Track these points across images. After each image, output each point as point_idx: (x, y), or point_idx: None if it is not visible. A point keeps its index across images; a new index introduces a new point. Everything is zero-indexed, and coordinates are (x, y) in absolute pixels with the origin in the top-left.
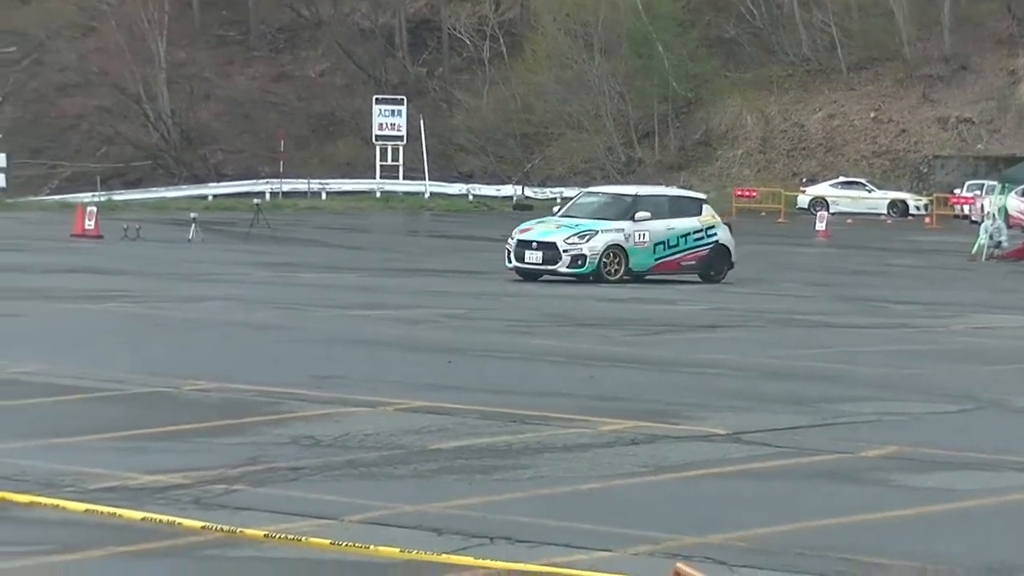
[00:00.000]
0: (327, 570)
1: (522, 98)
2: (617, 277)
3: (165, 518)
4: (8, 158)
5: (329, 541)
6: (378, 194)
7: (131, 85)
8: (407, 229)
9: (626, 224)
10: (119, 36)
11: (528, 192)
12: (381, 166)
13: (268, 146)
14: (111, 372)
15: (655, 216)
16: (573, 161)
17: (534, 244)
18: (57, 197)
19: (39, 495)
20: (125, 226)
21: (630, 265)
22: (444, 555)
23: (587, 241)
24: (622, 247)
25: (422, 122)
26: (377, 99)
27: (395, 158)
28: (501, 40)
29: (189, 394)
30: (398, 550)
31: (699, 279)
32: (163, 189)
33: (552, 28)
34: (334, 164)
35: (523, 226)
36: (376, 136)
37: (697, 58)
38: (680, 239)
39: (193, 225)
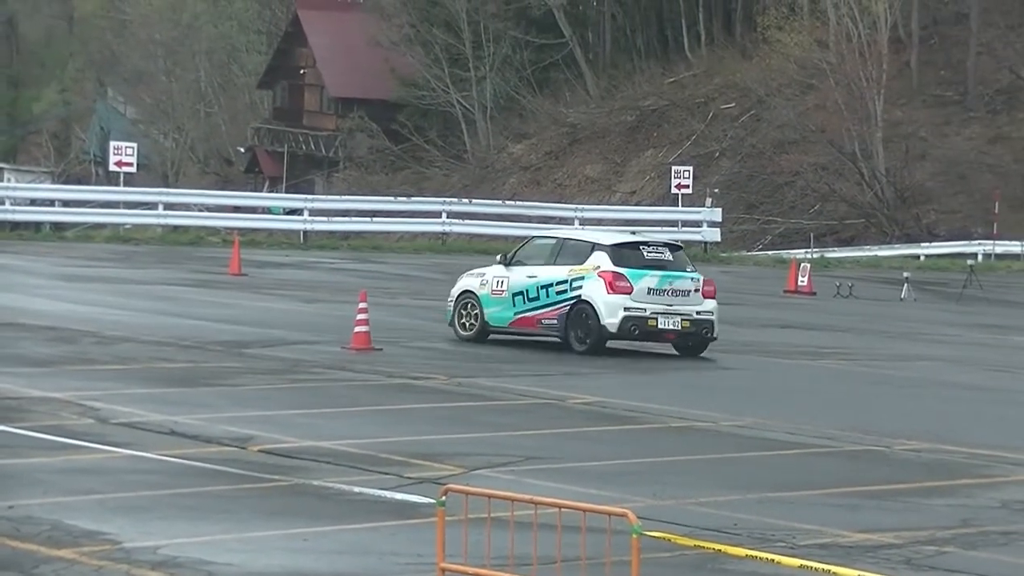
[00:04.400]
0: None
1: None
2: (472, 332)
3: None
4: (723, 212)
5: None
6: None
7: (847, 143)
8: None
9: (491, 268)
10: (838, 94)
11: None
12: None
13: (982, 207)
14: (824, 428)
15: (532, 261)
16: None
17: None
18: (770, 252)
19: (753, 549)
20: (838, 283)
21: (486, 318)
22: None
23: (455, 284)
24: (475, 295)
25: None
26: None
27: None
28: None
29: (901, 453)
30: None
31: (561, 343)
32: (875, 247)
33: None
34: None
35: None
36: None
37: None
38: (540, 291)
39: (905, 284)
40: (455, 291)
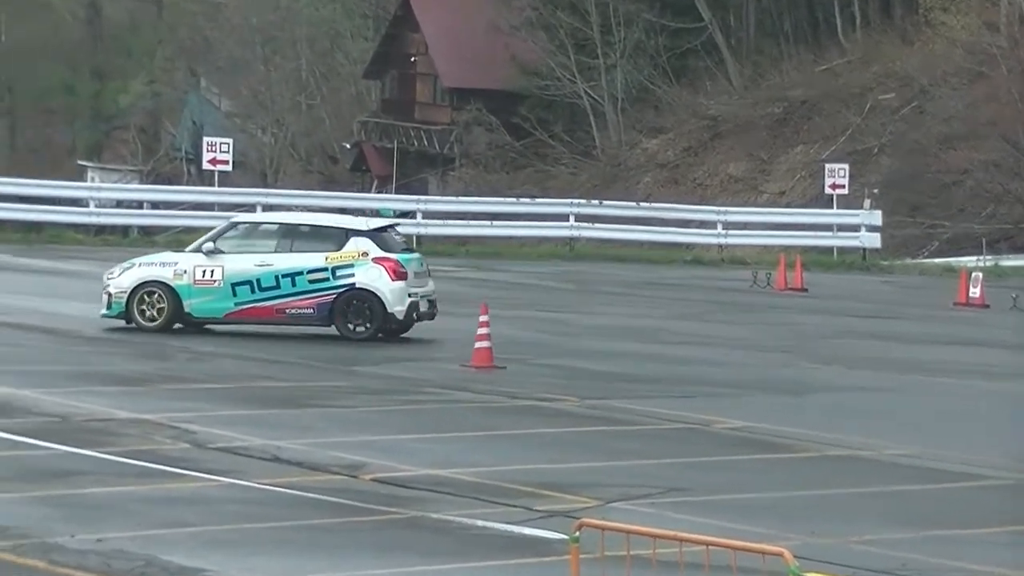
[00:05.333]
0: None
1: None
2: (158, 324)
3: None
4: (884, 215)
5: None
6: None
7: (1023, 137)
8: None
9: (186, 256)
10: (1011, 82)
11: None
12: None
13: None
14: (997, 457)
15: (248, 248)
16: None
17: None
18: (938, 260)
19: None
20: (1014, 295)
21: (187, 309)
22: None
23: (120, 275)
24: (168, 285)
25: None
26: None
27: None
28: None
29: None
30: None
31: (336, 332)
32: None
33: None
34: None
35: None
36: None
37: None
38: (284, 280)
39: None
40: (123, 283)
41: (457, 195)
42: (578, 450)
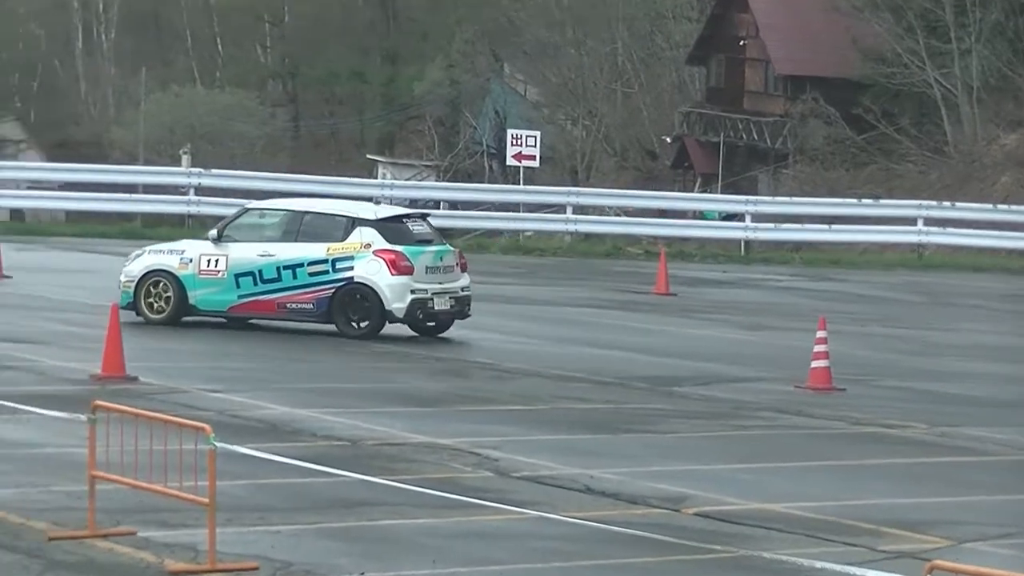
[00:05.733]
0: None
1: None
2: (164, 317)
3: None
4: None
5: None
6: None
7: None
8: None
9: (192, 244)
10: None
11: None
12: None
13: None
14: None
15: (255, 237)
16: None
17: None
18: None
19: None
20: None
21: (192, 301)
22: None
23: (131, 262)
24: (174, 275)
25: None
26: None
27: None
28: None
29: None
30: None
31: (336, 330)
32: None
33: None
34: None
35: None
36: None
37: None
38: (285, 272)
39: None
40: (132, 270)
41: (791, 195)
42: (927, 483)
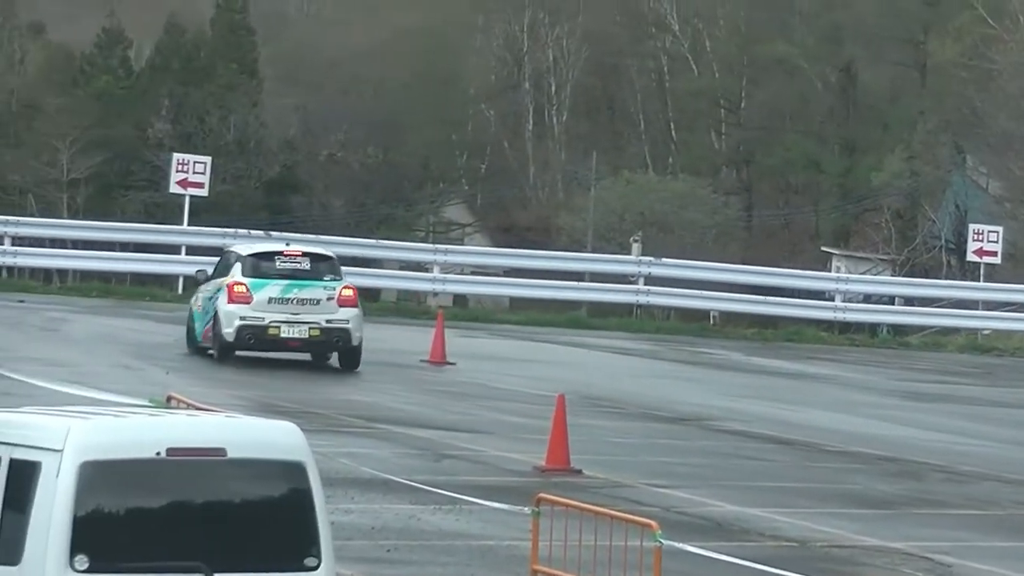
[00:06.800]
0: None
1: None
2: (191, 349)
3: None
4: None
5: None
6: None
7: None
8: None
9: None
10: None
11: None
12: None
13: None
14: None
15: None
16: None
17: None
18: None
19: None
20: None
21: (195, 334)
22: None
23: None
24: (191, 311)
25: None
26: None
27: None
28: None
29: None
30: None
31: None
32: None
33: None
34: None
35: None
36: None
37: None
38: (208, 304)
39: None
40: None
41: None
42: None
